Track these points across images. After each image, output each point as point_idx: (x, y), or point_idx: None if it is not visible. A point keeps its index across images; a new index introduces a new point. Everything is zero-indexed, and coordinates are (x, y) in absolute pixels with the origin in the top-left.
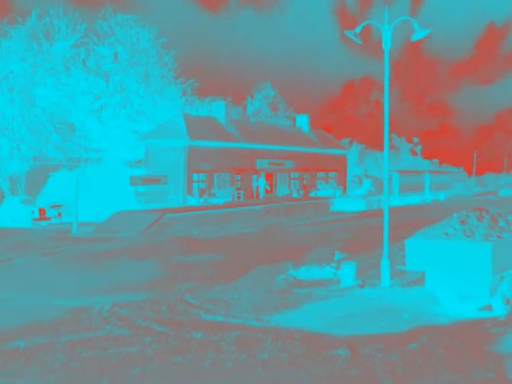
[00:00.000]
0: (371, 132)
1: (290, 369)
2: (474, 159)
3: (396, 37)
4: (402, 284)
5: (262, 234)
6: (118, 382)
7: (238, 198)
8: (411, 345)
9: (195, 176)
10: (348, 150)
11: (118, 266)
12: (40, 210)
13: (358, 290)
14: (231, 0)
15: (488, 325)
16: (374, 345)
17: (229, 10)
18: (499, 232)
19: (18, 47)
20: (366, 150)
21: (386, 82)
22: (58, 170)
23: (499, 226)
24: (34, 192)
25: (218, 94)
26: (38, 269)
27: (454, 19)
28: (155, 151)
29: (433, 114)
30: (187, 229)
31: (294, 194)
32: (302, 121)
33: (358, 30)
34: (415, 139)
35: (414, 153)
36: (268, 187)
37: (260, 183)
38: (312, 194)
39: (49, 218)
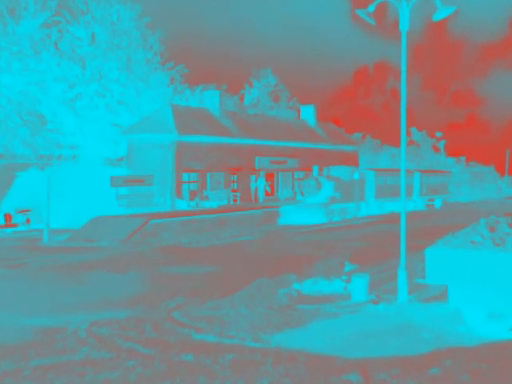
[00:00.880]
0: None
1: None
2: (507, 157)
3: (415, 16)
4: (422, 299)
5: (261, 242)
6: None
7: (234, 201)
8: (432, 369)
9: (185, 176)
10: (360, 146)
11: (96, 280)
12: (5, 215)
13: (372, 306)
14: None
15: None
16: (389, 369)
17: None
18: None
19: None
20: (381, 146)
21: (404, 68)
22: (27, 169)
23: None
24: None
25: (211, 81)
26: (2, 284)
27: None
28: (139, 148)
29: (459, 104)
30: (176, 236)
31: (298, 197)
32: (308, 113)
33: (371, 8)
34: (438, 134)
35: (436, 149)
36: (268, 189)
37: (259, 184)
38: None
39: (15, 225)
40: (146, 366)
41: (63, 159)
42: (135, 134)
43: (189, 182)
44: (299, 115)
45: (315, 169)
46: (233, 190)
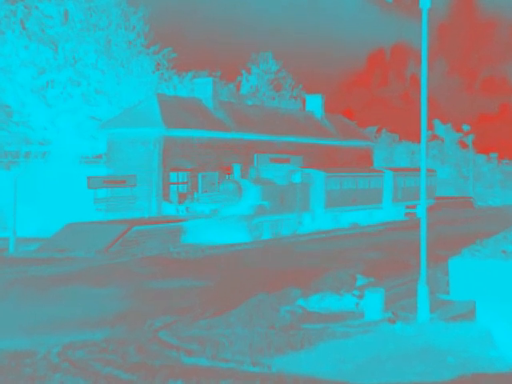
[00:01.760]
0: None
1: None
2: None
3: None
4: (446, 318)
5: (260, 252)
6: None
7: None
8: None
9: (173, 176)
10: (375, 142)
11: (71, 296)
12: None
13: (388, 325)
14: None
15: None
16: None
17: None
18: None
19: None
20: (399, 141)
21: (425, 51)
22: None
23: None
24: None
25: (203, 67)
26: None
27: None
28: (120, 144)
29: (490, 92)
30: (163, 246)
31: None
32: (314, 103)
33: None
34: (465, 127)
35: (463, 145)
36: None
37: None
38: None
39: None
40: None
41: (32, 157)
42: (116, 128)
43: (177, 184)
44: (304, 106)
45: (236, 168)
46: None
